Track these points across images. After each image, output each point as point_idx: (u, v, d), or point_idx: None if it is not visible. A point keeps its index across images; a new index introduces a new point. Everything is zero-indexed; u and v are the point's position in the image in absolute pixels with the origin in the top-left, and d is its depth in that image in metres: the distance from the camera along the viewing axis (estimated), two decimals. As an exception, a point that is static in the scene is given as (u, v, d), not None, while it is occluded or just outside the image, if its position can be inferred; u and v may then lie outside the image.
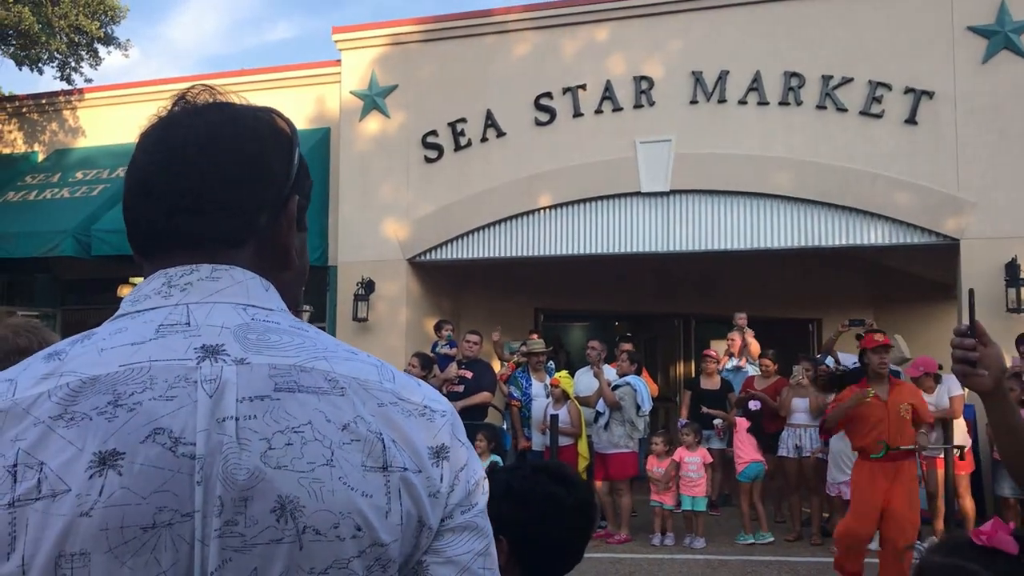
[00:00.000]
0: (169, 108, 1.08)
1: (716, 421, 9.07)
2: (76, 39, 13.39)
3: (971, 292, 1.77)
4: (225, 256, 1.02)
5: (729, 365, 9.94)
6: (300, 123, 12.18)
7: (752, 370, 9.73)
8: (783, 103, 10.18)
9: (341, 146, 11.86)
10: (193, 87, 1.09)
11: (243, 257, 1.03)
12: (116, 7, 13.52)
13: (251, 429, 0.89)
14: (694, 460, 8.39)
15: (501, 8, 11.41)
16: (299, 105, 12.29)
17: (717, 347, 10.73)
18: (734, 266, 12.15)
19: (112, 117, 12.94)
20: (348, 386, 0.95)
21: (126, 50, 14.12)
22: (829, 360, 9.49)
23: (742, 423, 8.66)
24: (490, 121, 11.17)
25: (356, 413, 0.94)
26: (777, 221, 10.17)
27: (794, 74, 10.13)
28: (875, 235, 9.91)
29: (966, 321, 1.74)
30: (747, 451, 8.56)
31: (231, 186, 1.02)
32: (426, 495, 0.96)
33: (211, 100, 1.08)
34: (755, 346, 10.07)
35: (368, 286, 11.30)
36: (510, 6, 11.38)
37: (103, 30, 13.57)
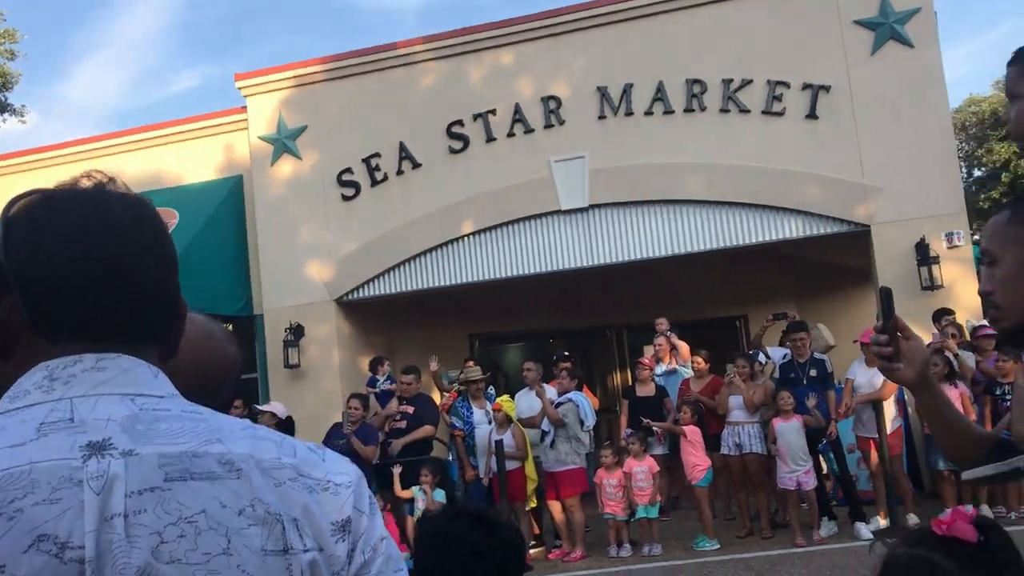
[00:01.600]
0: (52, 189, 1.00)
1: (655, 428, 9.11)
2: (-32, 109, 12.99)
3: (883, 290, 1.80)
4: (131, 347, 0.97)
5: (660, 370, 10.02)
6: (211, 173, 12.00)
7: (685, 372, 9.84)
8: (688, 110, 10.43)
9: (255, 192, 11.70)
10: (76, 177, 1.02)
11: (147, 348, 0.99)
12: (7, 74, 13.17)
13: (141, 524, 0.85)
14: (642, 469, 8.44)
15: (404, 40, 11.45)
16: (208, 155, 12.10)
17: (648, 354, 10.84)
18: (658, 273, 12.31)
19: (14, 187, 12.55)
20: (245, 466, 0.92)
21: (23, 116, 13.78)
22: (761, 356, 9.65)
23: (692, 431, 8.61)
24: (404, 153, 11.17)
25: (254, 496, 0.90)
26: (694, 225, 10.38)
27: (696, 81, 10.38)
28: (789, 229, 10.18)
29: (881, 319, 1.78)
30: (701, 456, 8.58)
31: (142, 267, 0.98)
32: (329, 575, 0.93)
33: (92, 186, 1.01)
34: (684, 347, 10.19)
35: (297, 331, 11.13)
36: (412, 38, 11.43)
37: (-4, 98, 13.20)
